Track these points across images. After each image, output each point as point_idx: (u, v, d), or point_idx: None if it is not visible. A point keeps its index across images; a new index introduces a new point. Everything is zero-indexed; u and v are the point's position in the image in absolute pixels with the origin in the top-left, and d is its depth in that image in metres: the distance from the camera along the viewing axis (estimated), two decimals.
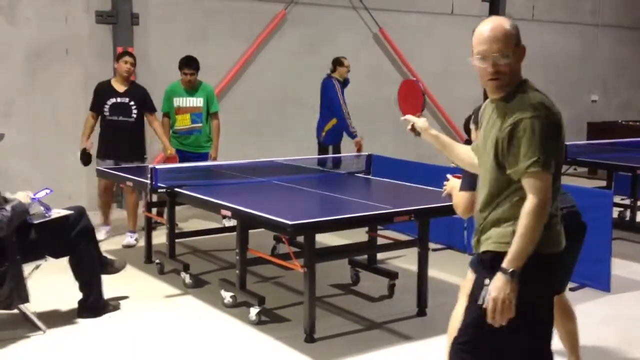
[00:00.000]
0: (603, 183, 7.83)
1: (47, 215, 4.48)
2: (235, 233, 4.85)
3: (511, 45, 2.53)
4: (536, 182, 2.38)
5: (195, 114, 7.08)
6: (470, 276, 2.88)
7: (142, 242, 6.24)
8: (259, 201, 4.78)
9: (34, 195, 4.49)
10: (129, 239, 6.70)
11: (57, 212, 4.55)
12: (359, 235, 5.50)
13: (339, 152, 7.99)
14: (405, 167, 7.14)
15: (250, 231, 4.89)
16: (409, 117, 3.09)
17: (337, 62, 8.34)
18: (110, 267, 4.93)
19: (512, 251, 2.39)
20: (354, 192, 5.29)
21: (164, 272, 5.74)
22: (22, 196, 4.38)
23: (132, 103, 6.71)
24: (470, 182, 3.00)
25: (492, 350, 2.53)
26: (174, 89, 7.12)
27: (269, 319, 4.70)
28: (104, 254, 4.98)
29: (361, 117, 10.10)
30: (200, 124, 7.09)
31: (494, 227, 2.51)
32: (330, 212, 4.39)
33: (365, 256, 5.53)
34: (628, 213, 7.51)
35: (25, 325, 4.46)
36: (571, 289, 5.07)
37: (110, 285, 4.94)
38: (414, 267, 4.93)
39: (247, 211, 4.37)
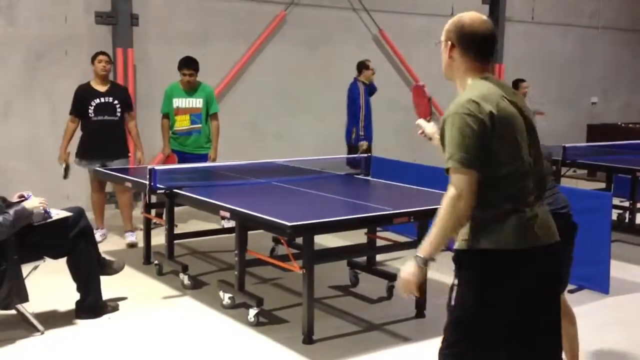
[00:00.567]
0: (602, 185, 7.83)
1: (47, 217, 4.47)
2: (234, 234, 4.85)
3: (444, 39, 2.71)
4: (452, 176, 2.47)
5: (195, 114, 7.08)
6: None
7: (140, 243, 6.23)
8: (258, 202, 4.78)
9: (31, 196, 4.49)
10: (130, 238, 6.74)
11: (56, 214, 4.54)
12: (358, 236, 5.49)
13: (370, 152, 8.06)
14: (405, 169, 7.14)
15: (249, 232, 4.88)
16: (419, 122, 3.21)
17: (362, 66, 8.42)
18: (109, 268, 4.93)
19: (426, 238, 2.58)
20: (353, 194, 5.29)
21: (162, 273, 5.73)
22: (34, 202, 4.37)
23: (115, 102, 6.73)
24: None
25: (470, 350, 2.56)
26: (173, 89, 7.11)
27: (267, 320, 4.69)
28: (103, 255, 4.97)
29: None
30: (199, 125, 7.09)
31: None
32: (329, 213, 4.38)
33: (364, 258, 5.52)
34: (627, 215, 7.51)
35: (23, 326, 4.46)
36: (570, 291, 5.06)
37: (108, 286, 4.93)
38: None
39: (246, 212, 4.36)
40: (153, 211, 6.35)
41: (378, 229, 5.60)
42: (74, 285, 4.67)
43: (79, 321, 4.64)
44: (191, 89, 7.07)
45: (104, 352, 4.20)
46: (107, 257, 5.10)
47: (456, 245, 2.61)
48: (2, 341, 4.27)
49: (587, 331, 3.93)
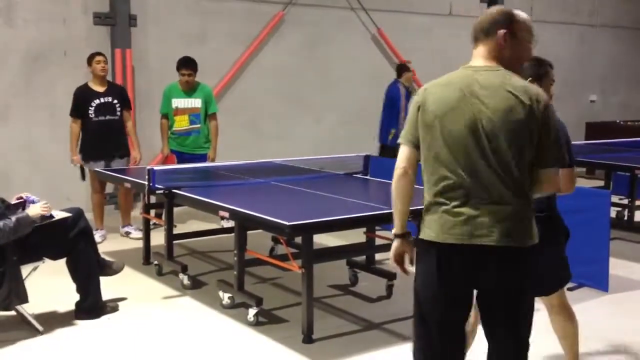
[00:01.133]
0: (601, 183, 7.84)
1: (49, 217, 4.47)
2: (233, 234, 4.85)
3: None
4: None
5: (194, 114, 7.09)
6: None
7: (140, 244, 6.24)
8: (257, 202, 4.78)
9: (30, 197, 4.50)
10: (134, 232, 6.83)
11: (56, 214, 4.55)
12: (357, 235, 5.50)
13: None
14: None
15: (248, 232, 4.88)
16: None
17: (403, 68, 8.42)
18: (108, 269, 4.93)
19: None
20: (351, 193, 5.29)
21: (162, 273, 5.74)
22: (37, 209, 4.37)
23: (115, 101, 6.80)
24: None
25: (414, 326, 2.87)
26: (172, 90, 7.13)
27: (267, 320, 4.70)
28: (102, 256, 4.98)
29: (359, 118, 10.14)
30: (198, 125, 7.10)
31: None
32: (328, 212, 4.38)
33: (363, 257, 5.53)
34: (626, 213, 7.51)
35: (23, 327, 4.46)
36: (569, 289, 5.06)
37: (108, 287, 4.94)
38: (411, 268, 4.92)
39: (245, 212, 4.37)
40: (152, 211, 6.37)
41: (377, 228, 5.60)
42: (73, 286, 4.67)
43: (78, 322, 4.64)
44: (190, 89, 7.07)
45: (104, 352, 4.20)
46: (107, 258, 5.10)
47: None
48: (2, 342, 4.28)
49: (587, 329, 3.94)
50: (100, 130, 6.73)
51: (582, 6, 12.73)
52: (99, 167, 6.65)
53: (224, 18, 9.04)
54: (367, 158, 6.14)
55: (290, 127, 9.62)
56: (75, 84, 6.96)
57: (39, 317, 4.55)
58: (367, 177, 6.05)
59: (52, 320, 4.62)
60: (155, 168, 5.35)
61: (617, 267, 5.79)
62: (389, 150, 8.35)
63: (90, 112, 6.70)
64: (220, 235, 6.34)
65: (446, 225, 2.56)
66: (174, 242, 5.75)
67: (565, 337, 3.64)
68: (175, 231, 5.76)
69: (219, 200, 4.73)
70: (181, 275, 5.43)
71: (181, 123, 7.09)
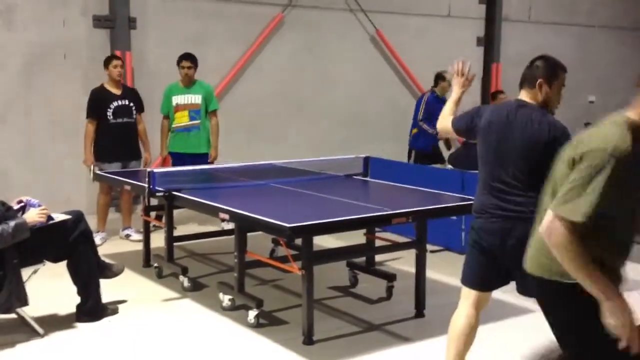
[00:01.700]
0: None
1: (49, 219, 4.47)
2: (233, 236, 4.86)
3: None
4: None
5: (194, 110, 7.11)
6: None
7: (140, 246, 6.24)
8: (257, 204, 4.79)
9: (31, 200, 4.51)
10: (134, 235, 6.89)
11: (56, 217, 4.55)
12: (357, 237, 5.50)
13: (421, 158, 8.21)
14: (403, 169, 7.15)
15: (248, 234, 4.89)
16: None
17: (439, 77, 8.22)
18: (109, 271, 4.93)
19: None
20: (351, 195, 5.30)
21: (162, 275, 5.74)
22: (34, 216, 4.37)
23: (131, 104, 6.90)
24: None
25: None
26: (172, 88, 7.19)
27: (267, 322, 4.70)
28: (102, 258, 4.98)
29: (359, 119, 10.15)
30: (198, 121, 7.12)
31: None
32: (328, 214, 4.39)
33: (364, 258, 5.53)
34: None
35: (23, 330, 4.46)
36: None
37: (108, 289, 4.94)
38: (411, 269, 4.94)
39: (245, 214, 4.37)
40: (152, 214, 6.38)
41: (377, 229, 5.61)
42: (74, 289, 4.68)
43: (79, 324, 4.65)
44: (190, 84, 7.12)
45: (105, 355, 4.21)
46: (107, 260, 5.11)
47: None
48: (2, 345, 4.28)
49: None
50: (119, 132, 6.81)
51: (580, 7, 12.73)
52: (113, 169, 6.68)
53: (223, 20, 9.05)
54: (366, 159, 6.15)
55: (290, 128, 9.63)
56: (75, 87, 6.98)
57: (40, 320, 4.55)
58: (367, 179, 6.06)
59: (53, 323, 4.63)
60: (155, 170, 5.35)
61: None
62: (422, 158, 8.28)
63: (108, 114, 6.77)
64: (221, 238, 6.34)
65: None
66: (174, 244, 5.75)
67: None
68: (176, 233, 5.77)
69: (219, 202, 4.74)
70: (181, 278, 5.43)
71: (181, 119, 7.12)
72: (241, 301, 4.83)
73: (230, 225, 6.02)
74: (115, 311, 4.86)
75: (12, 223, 4.22)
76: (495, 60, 11.37)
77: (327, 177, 6.07)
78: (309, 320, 4.30)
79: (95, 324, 4.66)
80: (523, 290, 3.52)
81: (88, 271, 4.64)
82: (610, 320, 2.27)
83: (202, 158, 7.11)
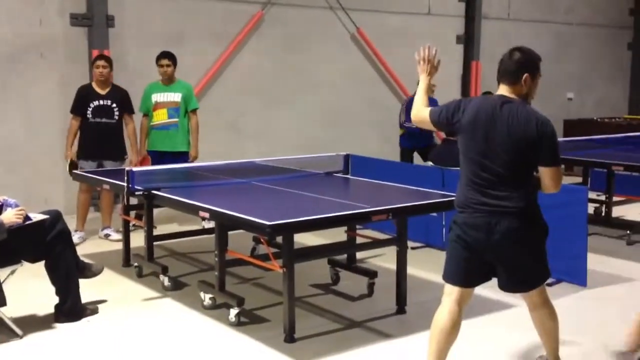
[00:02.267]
0: (579, 179, 7.92)
1: (26, 219, 4.42)
2: (214, 235, 4.83)
3: None
4: None
5: (172, 108, 7.10)
6: None
7: (120, 246, 6.20)
8: (238, 202, 4.77)
9: (8, 200, 4.45)
10: (113, 234, 6.85)
11: (33, 217, 4.50)
12: (338, 234, 5.50)
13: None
14: (384, 167, 7.16)
15: (229, 233, 4.87)
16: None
17: None
18: (88, 271, 4.89)
19: None
20: (332, 192, 5.30)
21: (142, 275, 5.70)
22: (10, 216, 4.31)
23: (114, 105, 6.84)
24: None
25: None
26: (152, 87, 7.20)
27: (248, 320, 4.69)
28: (82, 258, 4.94)
29: (340, 117, 10.16)
30: (176, 119, 7.10)
31: None
32: (308, 212, 4.38)
33: (345, 256, 5.53)
34: (603, 208, 7.60)
35: (2, 331, 4.40)
36: (548, 285, 5.09)
37: (88, 289, 4.90)
38: (393, 266, 4.95)
39: (226, 212, 4.35)
40: (132, 213, 6.33)
41: (358, 226, 5.61)
42: (52, 289, 4.63)
43: (58, 325, 4.60)
44: (170, 82, 7.10)
45: (85, 355, 4.17)
46: (86, 260, 5.07)
47: None
48: None
49: (567, 324, 3.97)
50: (95, 132, 6.79)
51: (559, 4, 12.83)
52: (89, 166, 6.68)
53: (202, 18, 9.00)
54: (347, 157, 6.15)
55: (270, 127, 9.61)
56: (52, 86, 6.92)
57: (18, 321, 4.50)
58: (348, 176, 6.06)
59: (32, 324, 4.58)
60: (134, 169, 5.31)
61: (595, 262, 5.86)
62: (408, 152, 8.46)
63: (88, 112, 6.77)
64: (201, 236, 6.31)
65: None
66: (154, 243, 5.71)
67: (546, 332, 3.67)
68: (156, 232, 5.73)
69: (199, 200, 4.71)
70: (162, 277, 5.40)
71: (159, 117, 7.10)
72: (222, 300, 4.82)
73: (210, 224, 6.00)
74: (95, 311, 4.82)
75: None
76: (475, 58, 11.42)
77: (307, 175, 6.06)
78: (291, 318, 4.30)
79: (74, 324, 4.62)
80: (504, 285, 3.54)
81: (66, 271, 4.60)
82: None
83: (182, 156, 7.08)
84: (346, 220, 4.78)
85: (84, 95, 6.82)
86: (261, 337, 4.39)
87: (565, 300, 5.02)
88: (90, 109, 6.76)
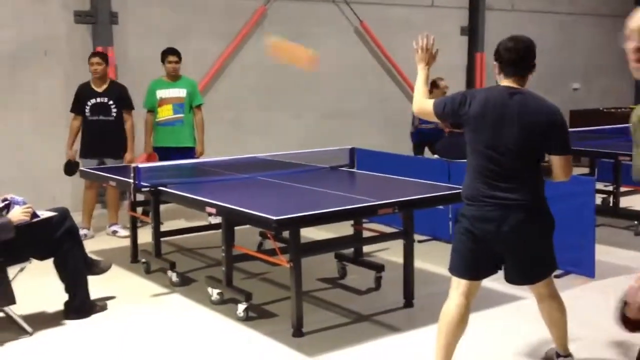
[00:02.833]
0: (586, 170, 7.89)
1: (34, 217, 4.43)
2: (220, 230, 4.84)
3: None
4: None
5: (177, 104, 7.11)
6: None
7: (127, 242, 6.21)
8: (244, 197, 4.78)
9: (15, 198, 4.46)
10: (121, 231, 6.86)
11: (41, 214, 4.52)
12: (345, 228, 5.50)
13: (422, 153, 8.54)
14: (389, 160, 7.16)
15: (236, 228, 4.88)
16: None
17: (433, 84, 7.91)
18: (96, 268, 4.91)
19: None
20: (338, 186, 5.30)
21: (150, 271, 5.72)
22: (17, 214, 4.32)
23: (110, 102, 6.84)
24: None
25: None
26: (156, 83, 7.21)
27: (256, 315, 4.70)
28: (89, 255, 4.95)
29: (344, 111, 10.15)
30: (181, 115, 7.11)
31: None
32: (314, 206, 4.38)
33: (351, 249, 5.54)
34: (611, 199, 7.57)
35: (11, 328, 4.43)
36: (556, 276, 5.08)
37: (96, 286, 4.91)
38: (400, 259, 4.95)
39: (232, 208, 4.36)
40: (139, 209, 6.35)
41: (364, 220, 5.61)
42: (61, 286, 4.65)
43: (67, 322, 4.62)
44: (175, 78, 7.10)
45: (94, 352, 4.19)
46: (94, 257, 5.09)
47: None
48: None
49: (575, 316, 3.97)
50: (94, 129, 6.82)
51: None
52: (91, 165, 6.68)
53: (206, 14, 9.00)
54: (352, 151, 6.14)
55: (274, 122, 9.61)
56: (57, 83, 6.94)
57: (28, 318, 4.52)
58: (353, 170, 6.06)
59: (41, 321, 4.60)
60: (141, 166, 5.32)
61: (603, 253, 5.83)
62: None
63: (86, 110, 6.80)
64: (208, 232, 6.33)
65: None
66: (162, 239, 5.73)
67: (554, 324, 3.66)
68: (163, 228, 5.75)
69: (206, 196, 4.72)
70: (169, 273, 5.42)
71: (164, 113, 7.12)
72: (230, 295, 4.83)
73: (217, 220, 6.00)
74: (103, 308, 4.84)
75: None
76: (479, 50, 11.39)
77: (313, 169, 6.06)
78: (298, 312, 4.30)
79: (83, 321, 4.64)
80: (511, 278, 3.54)
81: (75, 268, 4.62)
82: None
83: (188, 152, 7.09)
84: (352, 214, 4.77)
85: (81, 94, 6.84)
86: (269, 331, 4.40)
87: (573, 292, 5.02)
88: (88, 107, 6.78)
